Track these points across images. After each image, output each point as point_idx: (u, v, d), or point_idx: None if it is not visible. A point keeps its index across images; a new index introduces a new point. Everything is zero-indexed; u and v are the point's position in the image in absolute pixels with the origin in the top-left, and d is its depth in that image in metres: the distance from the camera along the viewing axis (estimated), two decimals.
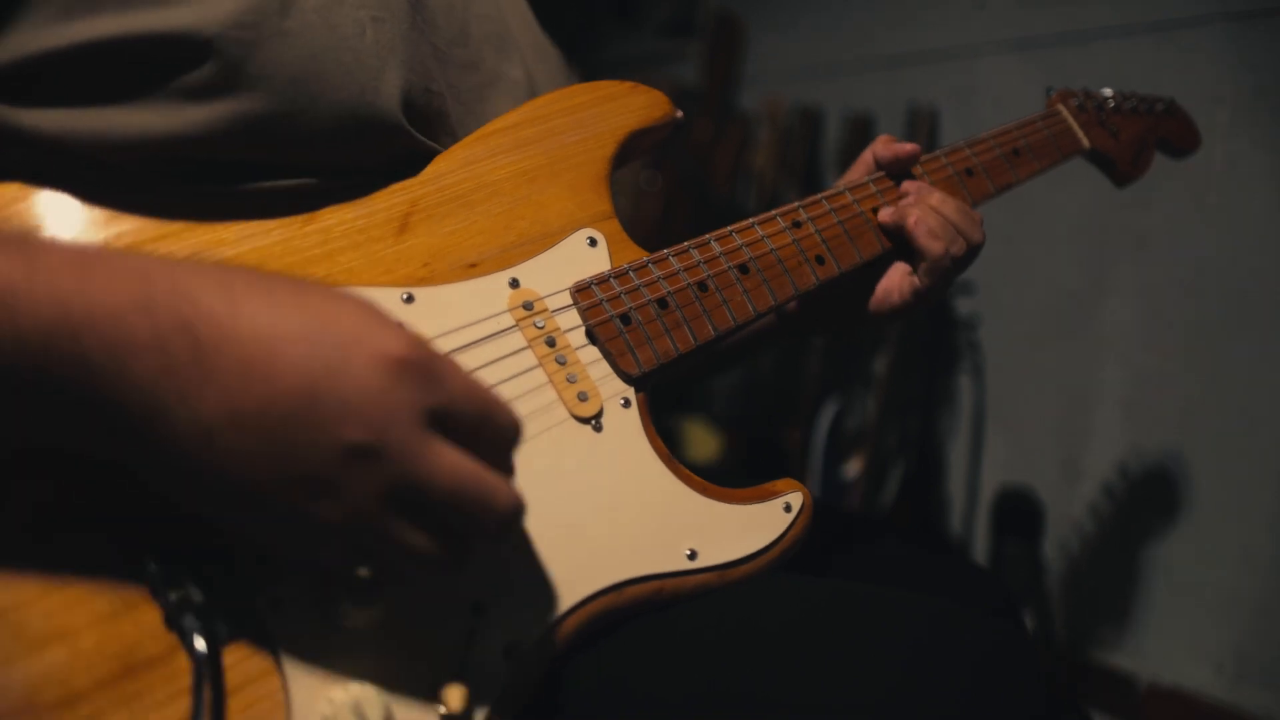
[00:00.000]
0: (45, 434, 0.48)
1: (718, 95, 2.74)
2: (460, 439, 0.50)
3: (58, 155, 0.58)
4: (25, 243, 0.47)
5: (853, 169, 0.91)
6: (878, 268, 0.87)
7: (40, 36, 0.56)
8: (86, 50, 0.57)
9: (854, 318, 0.90)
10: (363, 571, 0.52)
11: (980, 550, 2.27)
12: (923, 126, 2.27)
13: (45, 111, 0.58)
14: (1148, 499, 2.01)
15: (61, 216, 0.58)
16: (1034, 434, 2.21)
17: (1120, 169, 1.05)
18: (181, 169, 0.61)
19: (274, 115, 0.61)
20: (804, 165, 2.60)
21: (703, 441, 2.60)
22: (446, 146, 0.72)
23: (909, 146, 0.87)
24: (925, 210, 0.84)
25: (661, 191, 2.52)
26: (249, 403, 0.45)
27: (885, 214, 0.85)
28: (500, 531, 0.51)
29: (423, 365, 0.49)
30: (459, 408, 0.50)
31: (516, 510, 0.52)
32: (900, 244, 0.86)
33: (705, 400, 2.79)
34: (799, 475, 2.42)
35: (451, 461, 0.49)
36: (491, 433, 0.52)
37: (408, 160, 0.70)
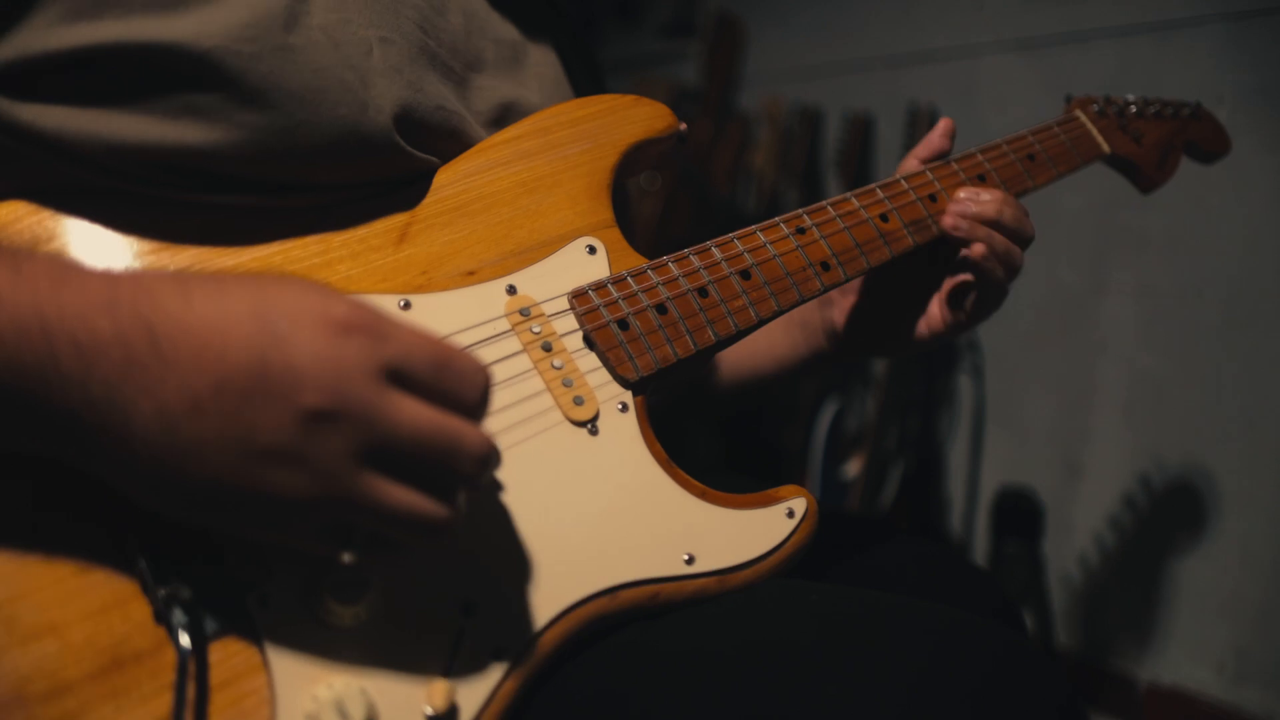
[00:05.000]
0: (17, 437, 0.49)
1: (718, 95, 2.74)
2: (420, 391, 0.50)
3: (54, 154, 0.59)
4: (15, 254, 0.49)
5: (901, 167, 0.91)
6: (910, 285, 0.88)
7: (45, 36, 0.57)
8: (88, 53, 0.57)
9: (902, 339, 0.92)
10: (346, 558, 0.51)
11: (980, 550, 2.27)
12: (923, 126, 2.27)
13: (44, 108, 0.58)
14: (1148, 499, 2.01)
15: (60, 232, 0.59)
16: (1034, 434, 2.21)
17: (1145, 174, 1.02)
18: (176, 177, 0.62)
19: (274, 129, 0.61)
20: (804, 165, 2.60)
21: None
22: None
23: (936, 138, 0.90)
24: (987, 234, 0.84)
25: (661, 191, 2.52)
26: (205, 386, 0.46)
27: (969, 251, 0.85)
28: (476, 471, 0.51)
29: (368, 324, 0.49)
30: (412, 360, 0.50)
31: (488, 449, 0.52)
32: (934, 250, 0.86)
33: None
34: (798, 476, 2.42)
35: (412, 411, 0.49)
36: (453, 380, 0.52)
37: (405, 179, 0.70)
